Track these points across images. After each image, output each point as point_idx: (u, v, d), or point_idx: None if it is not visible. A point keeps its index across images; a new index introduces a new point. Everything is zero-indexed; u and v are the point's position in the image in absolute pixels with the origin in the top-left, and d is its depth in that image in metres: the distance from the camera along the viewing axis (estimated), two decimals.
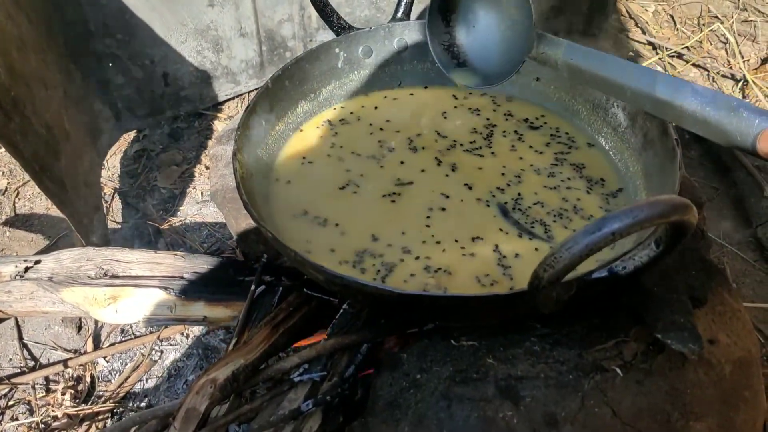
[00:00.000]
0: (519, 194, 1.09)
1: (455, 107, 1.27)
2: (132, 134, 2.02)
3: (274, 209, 1.09)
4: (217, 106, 2.07)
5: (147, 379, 1.45)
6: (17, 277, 1.27)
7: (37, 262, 1.29)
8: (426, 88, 1.31)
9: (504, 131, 1.21)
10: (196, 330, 1.52)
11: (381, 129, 1.22)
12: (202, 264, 1.30)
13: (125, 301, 1.26)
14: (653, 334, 0.90)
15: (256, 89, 2.03)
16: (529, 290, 0.75)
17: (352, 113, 1.27)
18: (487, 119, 1.24)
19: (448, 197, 1.09)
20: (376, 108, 1.28)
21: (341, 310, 1.15)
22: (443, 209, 1.07)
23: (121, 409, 1.40)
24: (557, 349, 0.91)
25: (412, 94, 1.30)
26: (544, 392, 0.87)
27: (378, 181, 1.12)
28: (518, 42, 1.07)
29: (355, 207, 1.09)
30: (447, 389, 0.88)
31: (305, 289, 1.21)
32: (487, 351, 0.92)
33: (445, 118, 1.25)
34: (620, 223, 0.66)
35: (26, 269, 1.28)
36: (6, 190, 1.87)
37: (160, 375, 1.46)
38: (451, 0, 1.14)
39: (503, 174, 1.12)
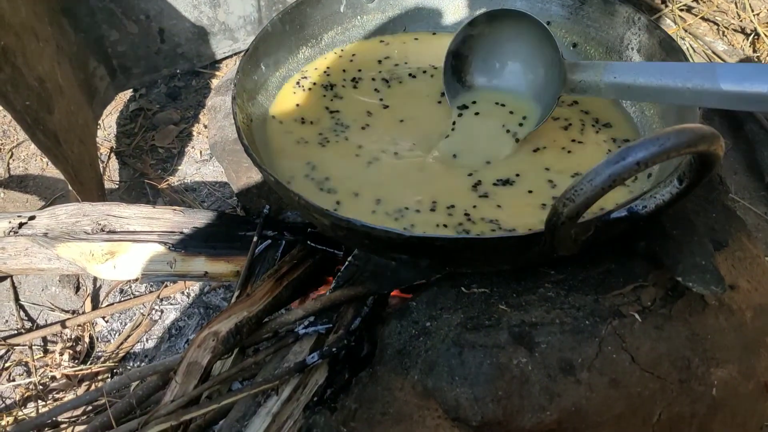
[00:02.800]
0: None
1: None
2: (128, 94, 1.97)
3: (275, 156, 1.05)
4: (215, 64, 2.02)
5: (147, 339, 1.42)
6: (11, 233, 1.23)
7: (32, 218, 1.25)
8: (434, 34, 1.26)
9: None
10: (196, 288, 1.48)
11: (383, 78, 1.18)
12: (201, 219, 1.26)
13: (123, 257, 1.22)
14: (673, 278, 0.87)
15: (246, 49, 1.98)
16: (546, 228, 0.71)
17: (354, 59, 1.22)
18: None
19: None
20: (379, 54, 1.23)
21: (346, 263, 1.11)
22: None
23: (120, 369, 1.37)
24: (573, 294, 0.88)
25: (417, 39, 1.25)
26: (559, 338, 0.83)
27: (378, 128, 1.08)
28: (549, 79, 1.03)
29: (355, 153, 1.05)
30: (458, 336, 0.85)
31: (309, 242, 1.17)
32: (500, 298, 0.89)
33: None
34: (645, 152, 0.62)
35: (20, 225, 1.24)
36: (0, 150, 1.83)
37: (160, 335, 1.42)
38: (463, 60, 1.10)
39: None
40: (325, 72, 1.19)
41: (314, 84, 1.17)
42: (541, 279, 0.90)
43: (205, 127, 1.88)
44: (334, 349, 1.00)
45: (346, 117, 1.10)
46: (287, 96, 1.14)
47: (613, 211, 0.79)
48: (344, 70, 1.19)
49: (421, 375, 0.84)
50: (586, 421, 0.81)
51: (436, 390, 0.82)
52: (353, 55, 1.22)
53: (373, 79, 1.17)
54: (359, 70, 1.19)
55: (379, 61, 1.20)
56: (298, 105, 1.13)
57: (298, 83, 1.16)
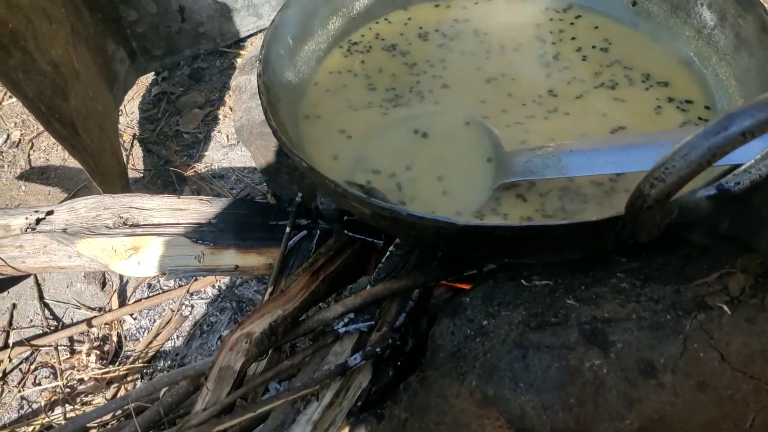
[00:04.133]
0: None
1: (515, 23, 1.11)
2: (150, 77, 1.89)
3: (307, 139, 0.95)
4: (239, 42, 1.93)
5: (177, 337, 1.34)
6: (28, 230, 1.16)
7: (50, 213, 1.18)
8: (476, 4, 1.15)
9: (577, 46, 1.05)
10: (227, 281, 1.40)
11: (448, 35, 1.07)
12: (230, 209, 1.18)
13: (148, 252, 1.14)
14: (764, 263, 0.76)
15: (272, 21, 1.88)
16: (628, 212, 0.60)
17: (409, 22, 1.11)
18: (551, 32, 1.07)
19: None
20: (416, 26, 1.12)
21: (387, 253, 1.02)
22: None
23: (150, 369, 1.29)
24: (649, 285, 0.77)
25: (465, 8, 1.14)
26: (637, 336, 0.73)
27: (417, 106, 0.98)
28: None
29: (394, 133, 0.95)
30: (520, 336, 0.75)
31: (346, 231, 1.08)
32: (566, 291, 0.78)
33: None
34: (752, 120, 0.52)
35: (38, 221, 1.16)
36: (19, 141, 1.76)
37: (191, 331, 1.35)
38: None
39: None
40: (378, 37, 1.09)
41: (370, 47, 1.07)
42: (611, 268, 0.79)
43: (231, 110, 1.79)
44: (378, 349, 0.91)
45: (389, 96, 1.00)
46: (319, 72, 1.04)
47: (700, 189, 0.68)
48: (401, 34, 1.09)
49: (479, 381, 0.74)
50: (671, 429, 0.71)
51: (497, 398, 0.73)
52: (408, 19, 1.11)
53: (444, 35, 1.08)
54: (420, 27, 1.10)
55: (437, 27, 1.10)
56: (352, 72, 1.03)
57: (349, 50, 1.07)
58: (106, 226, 1.14)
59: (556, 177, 0.81)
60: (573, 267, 0.81)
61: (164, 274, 1.17)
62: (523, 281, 0.80)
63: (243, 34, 1.90)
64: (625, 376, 0.71)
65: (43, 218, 1.17)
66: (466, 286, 0.95)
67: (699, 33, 0.98)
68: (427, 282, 0.96)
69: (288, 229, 1.09)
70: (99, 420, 1.06)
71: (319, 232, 1.12)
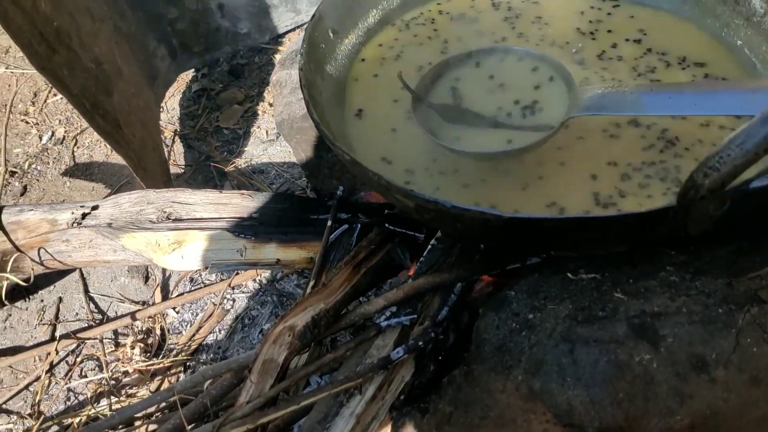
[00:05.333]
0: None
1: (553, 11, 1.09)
2: (190, 74, 1.90)
3: (350, 132, 0.95)
4: (278, 38, 1.93)
5: (219, 330, 1.35)
6: (74, 225, 1.17)
7: (95, 208, 1.19)
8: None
9: (616, 41, 1.03)
10: (268, 275, 1.41)
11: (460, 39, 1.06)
12: (271, 203, 1.18)
13: (191, 246, 1.15)
14: None
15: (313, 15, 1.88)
16: (680, 203, 0.59)
17: (432, 20, 1.10)
18: (590, 22, 1.06)
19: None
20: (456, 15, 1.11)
21: (429, 246, 1.01)
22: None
23: (193, 362, 1.31)
24: (700, 278, 0.75)
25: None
26: (688, 330, 0.71)
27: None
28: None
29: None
30: (568, 330, 0.74)
31: (387, 225, 1.08)
32: (613, 284, 0.77)
33: (544, 22, 1.07)
34: None
35: (83, 216, 1.18)
36: (64, 139, 1.79)
37: (232, 325, 1.35)
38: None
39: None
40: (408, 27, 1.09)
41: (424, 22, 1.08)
42: (660, 261, 0.78)
43: (270, 105, 1.79)
44: (420, 343, 0.91)
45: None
46: (361, 65, 1.03)
47: (754, 179, 0.66)
48: (435, 21, 1.10)
49: (525, 375, 0.73)
50: (724, 425, 0.70)
51: (544, 392, 0.72)
52: (431, 19, 1.11)
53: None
54: (448, 13, 1.11)
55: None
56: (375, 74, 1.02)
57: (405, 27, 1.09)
58: (150, 221, 1.15)
59: (631, 114, 0.83)
60: (620, 260, 0.80)
61: (207, 268, 1.17)
62: (569, 274, 0.79)
63: (281, 30, 1.90)
64: (676, 371, 0.70)
65: (89, 213, 1.18)
66: (508, 280, 0.94)
67: (748, 21, 0.96)
68: (470, 276, 0.95)
69: (329, 223, 1.09)
70: (144, 411, 1.07)
71: (359, 225, 1.12)
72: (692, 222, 0.62)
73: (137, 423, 1.11)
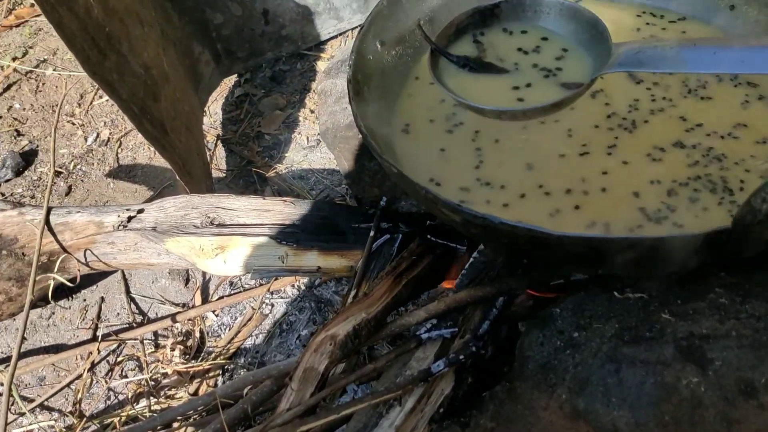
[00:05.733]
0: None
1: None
2: (233, 79, 1.92)
3: (397, 144, 0.95)
4: (320, 45, 1.94)
5: (257, 334, 1.37)
6: (120, 228, 1.20)
7: (140, 211, 1.21)
8: None
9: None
10: (306, 281, 1.42)
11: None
12: (313, 211, 1.19)
13: (233, 252, 1.16)
14: None
15: (360, 25, 1.89)
16: (735, 227, 0.58)
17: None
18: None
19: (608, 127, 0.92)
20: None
21: (471, 259, 1.01)
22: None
23: (231, 365, 1.32)
24: (750, 301, 0.74)
25: None
26: (737, 354, 0.70)
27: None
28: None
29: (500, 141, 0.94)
30: (613, 350, 0.73)
31: (429, 236, 1.08)
32: (661, 305, 0.76)
33: None
34: None
35: (129, 219, 1.20)
36: (108, 141, 1.82)
37: (271, 330, 1.37)
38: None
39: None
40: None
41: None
42: (709, 282, 0.77)
43: (312, 112, 1.81)
44: (461, 357, 0.91)
45: None
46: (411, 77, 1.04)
47: None
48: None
49: (570, 394, 0.73)
50: None
51: (588, 412, 0.71)
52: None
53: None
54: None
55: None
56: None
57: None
58: (194, 225, 1.17)
59: (671, 71, 0.81)
60: (668, 280, 0.79)
61: (248, 273, 1.19)
62: (615, 293, 0.79)
63: (324, 37, 1.91)
64: (724, 396, 0.69)
65: (134, 216, 1.20)
66: (552, 296, 0.94)
67: None
68: (513, 290, 0.95)
69: (372, 232, 1.09)
70: (185, 414, 1.09)
71: (401, 236, 1.13)
72: (747, 245, 0.61)
73: (176, 423, 1.13)
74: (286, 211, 1.19)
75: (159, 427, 1.12)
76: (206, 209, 1.18)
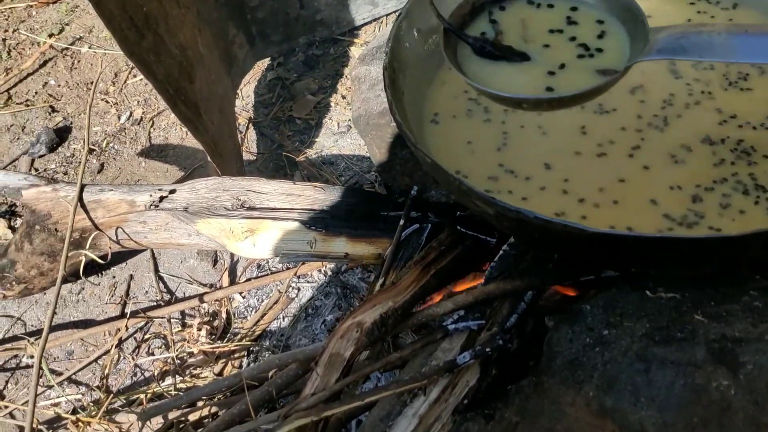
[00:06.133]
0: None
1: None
2: (266, 63, 1.93)
3: (429, 135, 0.95)
4: (353, 31, 1.94)
5: (283, 317, 1.38)
6: (152, 207, 1.21)
7: (172, 192, 1.22)
8: None
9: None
10: (333, 267, 1.42)
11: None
12: (342, 197, 1.19)
13: (263, 235, 1.17)
14: None
15: (395, 11, 1.88)
16: None
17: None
18: None
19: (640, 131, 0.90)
20: None
21: (501, 252, 1.01)
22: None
23: (257, 347, 1.33)
24: None
25: None
26: None
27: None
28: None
29: (526, 132, 0.93)
30: (644, 349, 0.73)
31: (458, 227, 1.08)
32: (693, 305, 0.75)
33: None
34: None
35: (161, 199, 1.21)
36: (141, 120, 1.83)
37: (296, 314, 1.37)
38: None
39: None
40: None
41: None
42: (743, 285, 0.76)
43: (343, 97, 1.81)
44: (487, 349, 0.90)
45: None
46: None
47: None
48: None
49: (597, 391, 0.73)
50: None
51: (616, 410, 0.71)
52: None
53: None
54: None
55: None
56: None
57: None
58: (225, 208, 1.17)
59: (717, 60, 0.76)
60: (701, 281, 0.78)
61: (277, 257, 1.19)
62: (647, 292, 0.78)
63: (358, 23, 1.91)
64: (755, 400, 0.68)
65: (166, 196, 1.21)
66: (581, 293, 0.93)
67: None
68: (542, 285, 0.94)
69: (402, 221, 1.09)
70: (210, 394, 1.10)
71: (430, 225, 1.12)
72: None
73: (201, 402, 1.14)
74: (316, 196, 1.19)
75: (184, 406, 1.14)
76: (237, 192, 1.19)
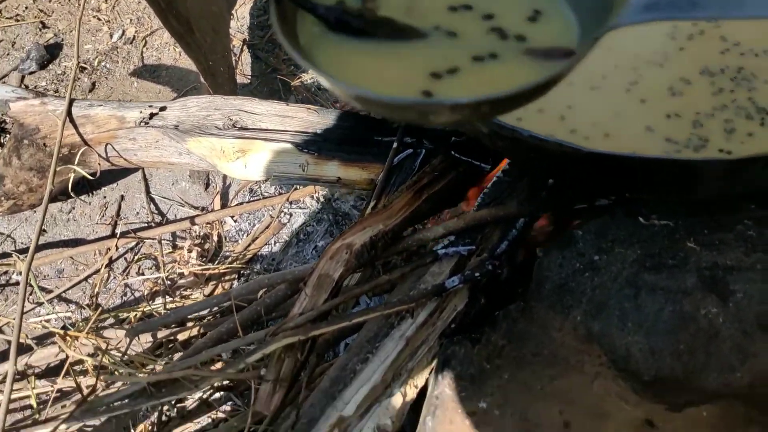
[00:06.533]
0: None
1: None
2: None
3: None
4: None
5: (275, 242, 1.37)
6: (142, 124, 1.18)
7: (163, 109, 1.20)
8: None
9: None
10: (326, 193, 1.41)
11: None
12: (336, 120, 1.17)
13: (254, 156, 1.15)
14: None
15: None
16: None
17: None
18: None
19: None
20: None
21: (494, 178, 0.99)
22: None
23: (247, 271, 1.33)
24: None
25: None
26: (760, 288, 0.69)
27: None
28: None
29: None
30: (634, 276, 0.72)
31: (452, 152, 1.06)
32: (687, 233, 0.74)
33: None
34: None
35: (151, 116, 1.19)
36: (134, 38, 1.79)
37: (288, 239, 1.37)
38: None
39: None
40: None
41: None
42: (738, 213, 0.75)
43: None
44: (477, 274, 0.90)
45: None
46: None
47: None
48: None
49: (585, 316, 0.72)
50: None
51: (603, 335, 0.71)
52: None
53: None
54: None
55: None
56: None
57: None
58: (216, 127, 1.15)
59: (693, 18, 0.65)
60: (695, 209, 0.77)
61: (268, 179, 1.18)
62: (640, 219, 0.77)
63: None
64: (743, 329, 0.68)
65: (157, 113, 1.19)
66: (573, 222, 0.92)
67: None
68: (535, 212, 0.93)
69: (395, 145, 1.07)
70: (199, 313, 1.10)
71: (424, 151, 1.10)
72: None
73: (189, 323, 1.14)
74: (309, 119, 1.17)
75: (173, 325, 1.14)
76: (229, 111, 1.17)
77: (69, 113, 1.22)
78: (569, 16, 0.51)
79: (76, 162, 1.23)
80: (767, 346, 0.67)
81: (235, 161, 1.15)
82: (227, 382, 0.95)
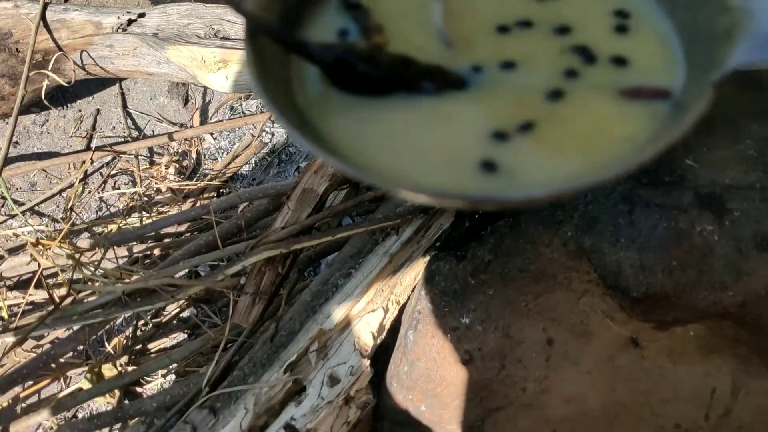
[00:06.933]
0: None
1: None
2: None
3: None
4: None
5: (256, 161, 1.33)
6: (119, 30, 1.13)
7: (141, 15, 1.15)
8: None
9: None
10: None
11: None
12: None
13: (236, 68, 1.10)
14: None
15: None
16: None
17: None
18: None
19: None
20: None
21: None
22: None
23: (227, 189, 1.29)
24: None
25: None
26: (758, 207, 0.67)
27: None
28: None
29: None
30: (629, 191, 0.70)
31: None
32: (686, 150, 0.72)
33: None
34: None
35: (129, 22, 1.14)
36: None
37: (270, 159, 1.33)
38: None
39: None
40: None
41: None
42: (739, 133, 0.73)
43: None
44: None
45: None
46: None
47: None
48: None
49: (576, 231, 0.70)
50: None
51: (594, 251, 0.69)
52: None
53: None
54: None
55: None
56: None
57: None
58: (197, 36, 1.10)
59: None
60: (696, 127, 0.74)
61: (250, 94, 1.14)
62: None
63: None
64: (738, 247, 0.66)
65: (135, 20, 1.14)
66: None
67: None
68: None
69: None
70: (176, 226, 1.07)
71: None
72: None
73: (167, 239, 1.11)
74: None
75: (150, 237, 1.11)
76: (211, 20, 1.12)
77: (43, 17, 1.16)
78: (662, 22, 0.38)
79: (49, 68, 1.18)
80: (762, 265, 0.66)
81: (216, 72, 1.10)
82: (205, 294, 0.93)
